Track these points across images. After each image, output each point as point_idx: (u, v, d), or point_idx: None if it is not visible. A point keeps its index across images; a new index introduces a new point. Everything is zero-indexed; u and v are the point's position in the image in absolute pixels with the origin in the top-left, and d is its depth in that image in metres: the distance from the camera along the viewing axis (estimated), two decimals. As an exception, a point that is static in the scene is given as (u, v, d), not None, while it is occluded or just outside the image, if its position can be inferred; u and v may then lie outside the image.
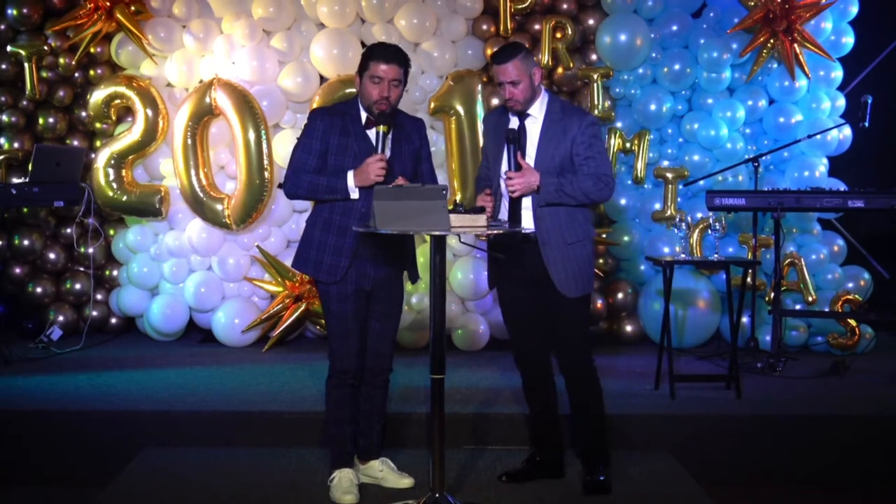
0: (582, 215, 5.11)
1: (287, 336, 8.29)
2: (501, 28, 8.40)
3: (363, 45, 8.03)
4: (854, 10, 8.51)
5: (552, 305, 5.12)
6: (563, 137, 5.03)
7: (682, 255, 6.83)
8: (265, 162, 7.99)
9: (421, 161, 5.24)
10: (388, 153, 4.99)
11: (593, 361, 5.23)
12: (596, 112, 8.20)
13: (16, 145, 8.61)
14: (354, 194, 4.96)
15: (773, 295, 7.66)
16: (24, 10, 8.53)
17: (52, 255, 8.74)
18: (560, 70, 8.50)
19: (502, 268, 5.22)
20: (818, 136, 8.10)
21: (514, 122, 5.12)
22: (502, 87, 5.06)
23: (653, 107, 8.36)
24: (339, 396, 5.15)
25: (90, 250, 8.50)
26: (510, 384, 6.72)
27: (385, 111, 4.96)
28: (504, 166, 5.04)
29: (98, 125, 8.49)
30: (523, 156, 5.03)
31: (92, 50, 8.55)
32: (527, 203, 5.06)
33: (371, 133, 5.03)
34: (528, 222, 5.07)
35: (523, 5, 8.40)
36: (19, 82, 8.62)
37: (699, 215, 8.22)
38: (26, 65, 8.47)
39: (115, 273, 8.74)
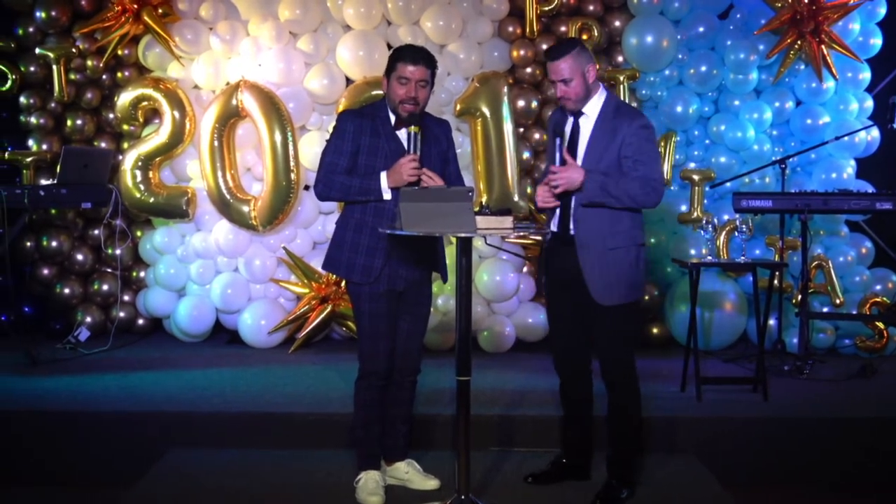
0: (629, 220, 5.00)
1: (313, 337, 8.30)
2: (527, 30, 8.39)
3: (389, 46, 8.05)
4: (882, 11, 8.47)
5: (590, 312, 5.06)
6: (612, 139, 4.95)
7: (709, 257, 6.80)
8: (291, 164, 8.01)
9: (448, 163, 5.23)
10: (418, 154, 5.00)
11: (634, 370, 5.16)
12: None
13: (44, 147, 8.66)
14: (387, 195, 4.96)
15: (800, 297, 7.63)
16: (53, 13, 8.58)
17: (79, 257, 8.78)
18: (586, 72, 8.47)
19: (550, 269, 5.18)
20: (846, 138, 8.07)
21: (569, 121, 5.09)
22: (554, 85, 5.00)
23: (679, 108, 8.35)
24: (368, 398, 5.16)
25: (117, 252, 8.53)
26: (536, 386, 6.72)
27: (413, 112, 4.97)
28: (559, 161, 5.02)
29: (125, 127, 8.53)
30: (574, 154, 4.98)
31: (119, 52, 8.60)
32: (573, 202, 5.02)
33: (401, 134, 5.04)
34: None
35: (550, 7, 8.39)
36: (48, 84, 8.66)
37: (726, 217, 8.20)
38: (54, 67, 8.51)
39: (142, 274, 8.79)
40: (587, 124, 5.04)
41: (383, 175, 4.95)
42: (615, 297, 4.98)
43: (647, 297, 8.36)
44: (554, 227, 5.09)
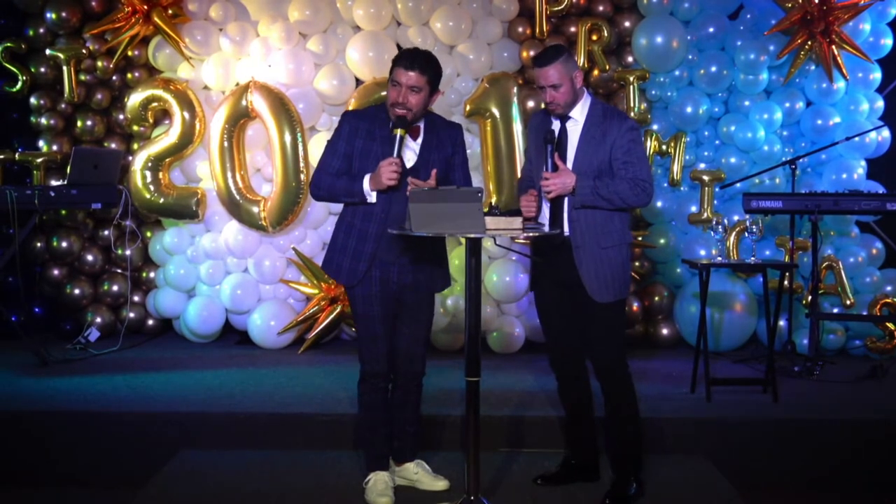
0: (619, 220, 5.07)
1: (323, 338, 8.30)
2: (537, 30, 8.38)
3: (399, 47, 8.05)
4: (893, 11, 8.45)
5: (585, 309, 5.09)
6: (602, 141, 5.00)
7: (719, 258, 6.79)
8: (301, 164, 8.01)
9: (453, 168, 5.19)
10: (409, 160, 5.01)
11: (627, 367, 5.18)
12: (632, 114, 8.14)
13: (54, 148, 8.67)
14: (371, 198, 4.95)
15: (810, 298, 7.62)
16: (63, 14, 8.60)
17: (89, 257, 8.80)
18: (596, 72, 8.47)
19: (541, 269, 5.22)
20: (856, 139, 8.06)
21: (555, 125, 5.11)
22: (543, 91, 5.02)
23: (689, 109, 8.33)
24: (372, 400, 5.16)
25: (127, 252, 8.56)
26: (545, 387, 6.71)
27: (403, 116, 4.92)
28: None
29: (135, 128, 8.54)
30: (563, 158, 5.01)
31: (130, 53, 8.62)
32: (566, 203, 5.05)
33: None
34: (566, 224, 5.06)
35: (559, 7, 8.38)
36: (58, 85, 8.68)
37: (736, 218, 8.19)
38: (65, 68, 8.53)
39: (151, 275, 8.80)
40: (575, 128, 5.08)
41: (366, 178, 4.94)
42: (611, 294, 5.04)
43: (656, 298, 8.37)
44: (547, 228, 5.09)
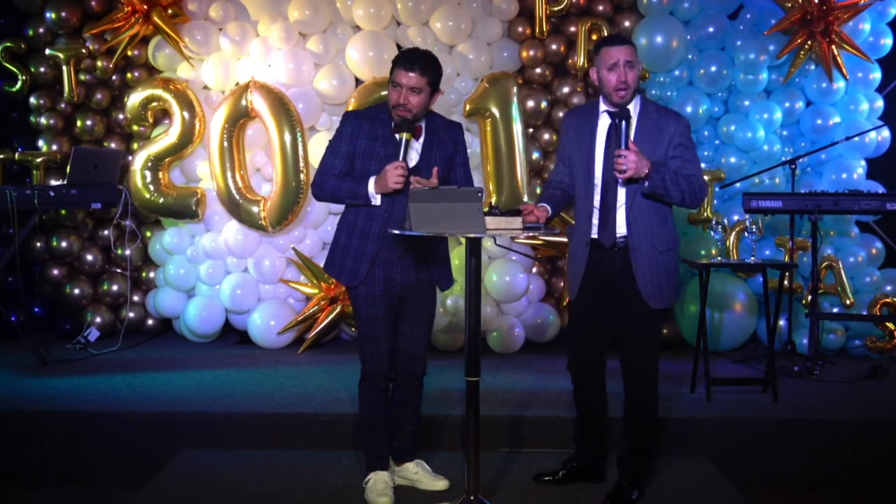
0: (671, 223, 5.02)
1: (323, 338, 8.30)
2: (537, 30, 8.38)
3: (399, 47, 8.05)
4: (893, 11, 8.46)
5: (630, 315, 5.02)
6: (661, 137, 4.93)
7: (719, 258, 6.81)
8: (301, 164, 8.01)
9: (454, 168, 5.18)
10: (411, 160, 4.98)
11: (658, 373, 5.13)
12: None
13: (54, 147, 8.67)
14: (376, 201, 4.93)
15: (810, 298, 7.62)
16: (63, 14, 8.60)
17: (89, 257, 8.80)
18: (596, 72, 8.46)
19: (588, 277, 5.07)
20: (856, 138, 8.06)
21: (602, 121, 5.03)
22: (615, 69, 4.90)
23: (689, 109, 8.33)
24: (372, 400, 5.15)
25: (127, 252, 8.56)
26: (545, 387, 6.71)
27: (406, 118, 4.90)
28: (598, 163, 4.97)
29: (135, 127, 8.54)
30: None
31: (129, 53, 8.61)
32: (620, 203, 4.95)
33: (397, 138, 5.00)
34: (620, 227, 4.97)
35: (559, 7, 8.37)
36: (58, 85, 8.68)
37: (736, 218, 8.19)
38: (65, 68, 8.52)
39: (151, 275, 8.80)
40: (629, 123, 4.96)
41: (371, 180, 4.93)
42: (664, 300, 4.99)
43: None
44: (594, 234, 5.02)
